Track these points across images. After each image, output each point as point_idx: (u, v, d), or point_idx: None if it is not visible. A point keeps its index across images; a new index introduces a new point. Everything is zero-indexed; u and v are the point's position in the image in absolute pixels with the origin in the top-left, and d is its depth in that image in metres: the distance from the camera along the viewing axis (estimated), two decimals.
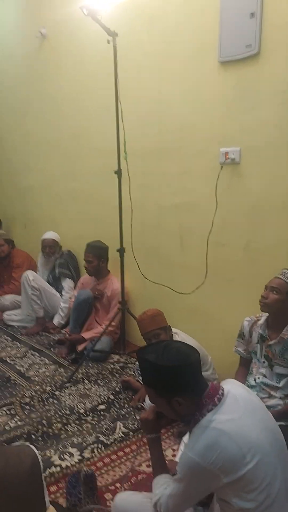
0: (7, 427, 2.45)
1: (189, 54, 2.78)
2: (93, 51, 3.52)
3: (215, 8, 2.53)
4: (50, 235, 4.12)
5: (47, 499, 1.10)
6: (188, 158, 2.91)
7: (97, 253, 3.48)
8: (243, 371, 2.31)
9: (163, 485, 1.51)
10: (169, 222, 3.12)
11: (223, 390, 1.43)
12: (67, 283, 4.00)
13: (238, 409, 1.38)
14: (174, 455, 2.18)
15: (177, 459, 2.01)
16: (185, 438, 1.96)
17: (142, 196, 3.22)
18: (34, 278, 3.94)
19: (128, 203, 3.06)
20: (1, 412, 2.60)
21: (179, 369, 1.39)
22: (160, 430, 1.66)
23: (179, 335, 2.53)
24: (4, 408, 2.64)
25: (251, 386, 2.17)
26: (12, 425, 2.47)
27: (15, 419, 2.53)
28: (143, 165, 3.22)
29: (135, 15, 3.10)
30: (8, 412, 2.61)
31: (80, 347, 3.38)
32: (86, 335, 3.44)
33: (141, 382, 2.77)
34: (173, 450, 2.24)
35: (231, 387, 1.47)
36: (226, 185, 2.64)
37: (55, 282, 4.08)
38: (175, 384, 1.40)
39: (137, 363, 2.91)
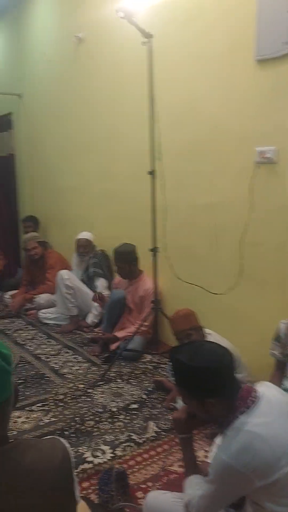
0: (41, 423, 2.50)
1: (224, 53, 2.76)
2: (128, 53, 3.55)
3: (251, 5, 2.50)
4: (84, 235, 4.18)
5: (77, 493, 1.11)
6: (222, 158, 2.88)
7: (125, 259, 3.51)
8: (278, 375, 2.26)
9: (195, 486, 1.50)
10: (202, 221, 3.10)
11: (256, 392, 1.40)
12: (100, 283, 4.04)
13: (272, 412, 1.35)
14: (206, 456, 2.16)
15: (209, 460, 1.99)
16: (218, 439, 1.94)
17: (175, 196, 3.22)
18: (69, 277, 4.01)
19: (161, 203, 3.07)
20: (36, 408, 2.65)
21: (212, 371, 1.37)
22: (192, 430, 1.65)
23: (213, 336, 2.51)
24: (39, 404, 2.70)
25: (287, 390, 2.12)
26: (46, 421, 2.52)
27: (49, 415, 2.57)
28: (176, 165, 3.21)
29: (170, 16, 3.11)
30: (42, 408, 2.66)
31: (113, 346, 3.41)
32: (119, 334, 3.47)
33: (174, 383, 2.77)
34: (206, 451, 2.22)
35: (265, 389, 1.44)
36: (261, 184, 2.60)
37: (89, 282, 4.13)
38: (208, 385, 1.38)
39: (169, 363, 2.90)
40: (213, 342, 1.59)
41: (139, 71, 3.20)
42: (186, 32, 3.02)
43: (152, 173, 2.98)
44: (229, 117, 2.79)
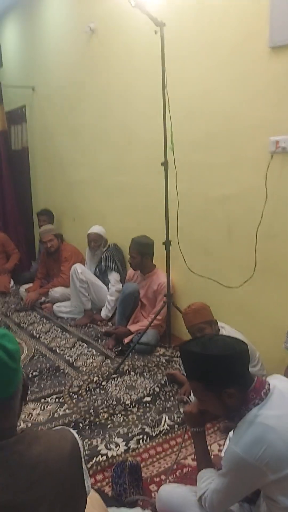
0: (56, 415, 2.52)
1: (238, 41, 2.70)
2: (140, 43, 3.51)
3: None
4: (94, 229, 4.18)
5: (87, 484, 1.11)
6: (236, 148, 2.84)
7: (140, 250, 3.50)
8: None
9: (208, 480, 1.49)
10: (216, 214, 3.07)
11: (269, 385, 1.39)
12: (113, 276, 4.04)
13: (284, 405, 1.34)
14: (220, 450, 2.16)
15: (223, 454, 1.98)
16: (231, 433, 1.92)
17: (189, 187, 3.19)
18: (82, 271, 4.02)
19: (174, 195, 3.03)
20: (51, 400, 2.68)
21: (229, 358, 1.36)
22: (205, 424, 1.64)
23: (226, 329, 2.49)
24: (54, 396, 2.72)
25: None
26: (60, 413, 2.54)
27: (64, 407, 2.59)
28: (189, 156, 3.18)
29: (182, 4, 3.06)
30: (57, 400, 2.68)
31: (126, 340, 3.42)
32: (132, 327, 3.47)
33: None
34: (219, 445, 2.21)
35: (277, 382, 1.42)
36: (277, 175, 2.55)
37: (102, 275, 4.13)
38: (225, 373, 1.36)
39: (181, 358, 2.89)
40: (225, 335, 1.57)
41: (152, 60, 3.16)
42: (199, 20, 2.96)
43: (164, 164, 2.95)
44: (243, 106, 2.74)
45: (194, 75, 3.06)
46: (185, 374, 2.66)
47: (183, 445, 2.14)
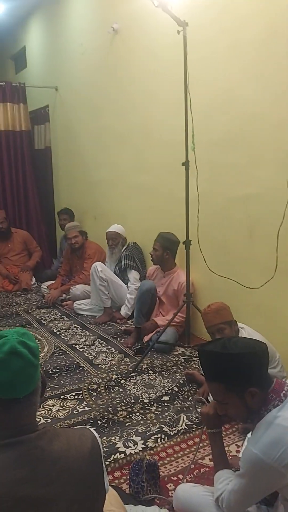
0: (75, 412, 2.55)
1: (261, 40, 2.68)
2: (163, 43, 3.51)
3: None
4: (113, 227, 4.20)
5: (106, 481, 1.13)
6: (257, 148, 2.82)
7: (164, 244, 3.51)
8: None
9: (225, 480, 1.49)
10: (237, 214, 3.05)
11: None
12: (132, 275, 4.06)
13: None
14: (238, 451, 2.15)
15: (241, 455, 1.97)
16: (250, 434, 1.91)
17: (210, 187, 3.18)
18: (102, 269, 4.05)
19: (195, 195, 3.03)
20: (70, 397, 2.71)
21: (250, 356, 1.35)
22: (222, 425, 1.63)
23: (246, 330, 2.47)
24: (73, 393, 2.75)
25: None
26: (79, 410, 2.57)
27: (83, 405, 2.62)
28: (211, 156, 3.17)
29: (205, 3, 3.05)
30: (76, 397, 2.71)
31: (146, 338, 3.43)
32: (158, 320, 3.49)
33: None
34: (238, 446, 2.21)
35: None
36: None
37: (121, 274, 4.16)
38: (247, 372, 1.35)
39: (200, 360, 2.88)
40: (243, 337, 1.56)
41: (174, 60, 3.16)
42: (222, 20, 2.95)
43: (185, 164, 2.95)
44: (265, 106, 2.72)
45: (216, 75, 3.05)
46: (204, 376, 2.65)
47: (200, 445, 2.14)
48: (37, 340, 3.42)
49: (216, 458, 1.61)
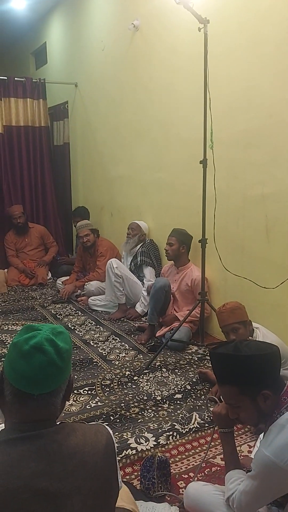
0: (88, 407, 2.57)
1: (283, 37, 2.65)
2: (183, 40, 3.50)
3: None
4: (137, 221, 4.26)
5: (120, 478, 1.14)
6: (277, 146, 2.79)
7: (180, 238, 3.52)
8: None
9: (237, 481, 1.49)
10: (254, 213, 3.03)
11: None
12: (148, 272, 4.07)
13: None
14: (250, 451, 2.14)
15: (252, 455, 1.96)
16: (262, 435, 1.91)
17: (227, 186, 3.16)
18: (117, 266, 4.06)
19: (212, 193, 3.02)
20: (83, 392, 2.73)
21: (263, 358, 1.35)
22: (233, 425, 1.63)
23: (260, 330, 2.46)
24: (86, 388, 2.78)
25: None
26: (92, 405, 2.59)
27: (96, 400, 2.64)
28: (229, 154, 3.15)
29: (226, 0, 3.02)
30: (89, 392, 2.73)
31: (159, 333, 3.44)
32: (178, 315, 3.50)
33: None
34: (250, 446, 2.20)
35: None
36: None
37: (137, 271, 4.17)
38: (259, 374, 1.35)
39: (212, 363, 2.87)
40: (254, 340, 1.56)
41: (194, 57, 3.15)
42: (243, 17, 2.92)
43: (203, 162, 2.94)
44: (286, 103, 2.68)
45: (237, 72, 3.02)
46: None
47: (212, 444, 2.14)
48: None
49: (227, 458, 1.61)
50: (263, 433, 1.47)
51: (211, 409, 1.97)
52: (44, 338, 1.03)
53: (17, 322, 3.96)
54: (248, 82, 2.94)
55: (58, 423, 1.08)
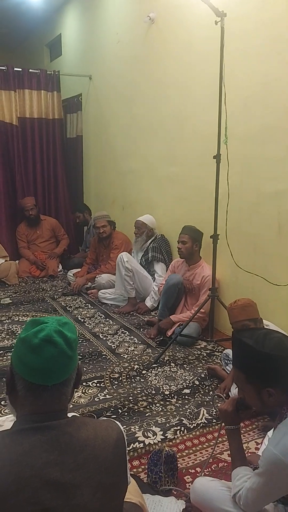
0: (96, 399, 2.58)
1: None
2: (199, 34, 3.46)
3: None
4: (142, 217, 4.26)
5: (128, 473, 1.14)
6: None
7: (193, 236, 3.49)
8: None
9: (243, 478, 1.49)
10: (267, 209, 3.00)
11: None
12: (159, 267, 4.07)
13: None
14: (257, 448, 2.14)
15: (259, 452, 1.96)
16: (270, 432, 1.90)
17: (241, 181, 3.14)
18: (128, 259, 4.07)
19: (225, 189, 3.00)
20: (92, 384, 2.75)
21: (278, 359, 1.34)
22: (240, 422, 1.63)
23: (271, 328, 2.44)
24: (95, 381, 2.79)
25: None
26: (101, 397, 2.61)
27: (104, 392, 2.66)
28: (244, 150, 3.12)
29: None
30: (98, 385, 2.75)
31: (169, 332, 3.44)
32: (174, 318, 3.49)
33: (227, 372, 2.74)
34: (257, 443, 2.19)
35: None
36: None
37: (148, 265, 4.17)
38: (270, 373, 1.36)
39: (224, 351, 2.88)
40: (281, 333, 1.53)
41: (210, 52, 3.12)
42: (261, 11, 2.88)
43: (217, 157, 2.91)
44: None
45: (254, 67, 2.99)
46: (227, 368, 2.64)
47: (219, 440, 2.14)
48: None
49: (233, 455, 1.61)
50: (271, 430, 1.47)
51: (218, 405, 1.98)
52: (53, 330, 1.05)
53: (27, 314, 3.99)
54: (266, 77, 2.90)
55: (69, 415, 1.09)
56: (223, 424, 1.66)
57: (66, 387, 1.08)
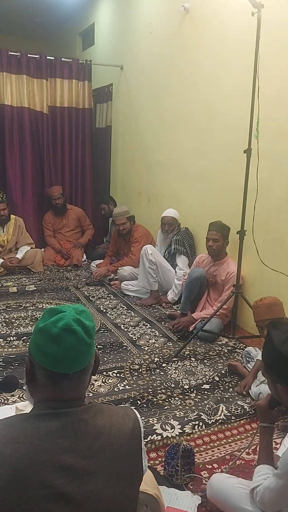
0: (116, 389, 2.60)
1: None
2: (235, 25, 3.39)
3: None
4: (169, 212, 4.18)
5: (145, 462, 1.15)
6: None
7: (224, 233, 3.44)
8: None
9: (264, 475, 1.49)
10: None
11: None
12: (181, 260, 4.05)
13: None
14: (275, 448, 2.11)
15: (278, 453, 1.94)
16: None
17: (270, 177, 3.08)
18: (152, 252, 4.06)
19: (253, 184, 2.94)
20: (112, 374, 2.77)
21: None
22: (276, 420, 1.64)
23: None
24: (115, 371, 2.81)
25: None
26: (120, 388, 2.62)
27: (124, 383, 2.67)
28: (274, 145, 3.06)
29: None
30: (118, 375, 2.77)
31: (191, 328, 3.42)
32: (196, 315, 3.47)
33: (248, 369, 2.72)
34: (276, 443, 2.16)
35: None
36: None
37: (171, 258, 4.15)
38: (281, 371, 1.42)
39: (246, 349, 2.85)
40: None
41: (245, 43, 3.05)
42: None
43: (247, 151, 2.86)
44: None
45: None
46: (248, 366, 2.61)
47: (237, 437, 2.13)
48: None
49: (261, 452, 1.61)
50: None
51: (255, 402, 2.01)
52: (71, 319, 1.06)
53: (51, 301, 4.04)
54: None
55: (87, 403, 1.10)
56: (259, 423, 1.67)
57: (85, 375, 1.10)
